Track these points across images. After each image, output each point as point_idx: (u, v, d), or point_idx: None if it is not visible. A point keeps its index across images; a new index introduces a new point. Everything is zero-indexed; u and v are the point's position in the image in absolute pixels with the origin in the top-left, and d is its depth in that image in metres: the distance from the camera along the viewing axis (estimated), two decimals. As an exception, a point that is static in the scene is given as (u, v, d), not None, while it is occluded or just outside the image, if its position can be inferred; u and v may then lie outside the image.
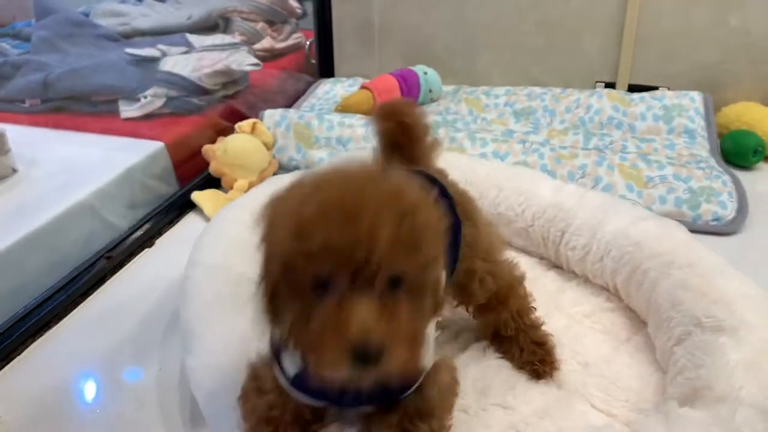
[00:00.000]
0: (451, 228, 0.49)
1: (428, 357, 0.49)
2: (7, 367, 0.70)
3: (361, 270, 0.37)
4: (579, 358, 0.65)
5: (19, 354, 0.72)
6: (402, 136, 0.58)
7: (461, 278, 0.59)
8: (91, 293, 0.83)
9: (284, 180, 0.44)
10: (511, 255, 0.81)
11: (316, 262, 0.38)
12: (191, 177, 1.10)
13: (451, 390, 0.52)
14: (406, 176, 0.43)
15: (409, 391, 0.48)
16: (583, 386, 0.61)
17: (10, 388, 0.67)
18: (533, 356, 0.63)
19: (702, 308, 0.61)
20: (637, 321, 0.70)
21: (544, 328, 0.65)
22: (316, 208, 0.38)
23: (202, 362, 0.60)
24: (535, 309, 0.66)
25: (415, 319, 0.40)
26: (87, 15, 1.59)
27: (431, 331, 0.50)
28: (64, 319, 0.78)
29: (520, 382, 0.62)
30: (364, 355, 0.37)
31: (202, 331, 0.63)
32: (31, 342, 0.74)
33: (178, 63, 1.23)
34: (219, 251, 0.74)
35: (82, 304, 0.81)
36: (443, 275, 0.45)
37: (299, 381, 0.46)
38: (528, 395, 0.61)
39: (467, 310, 0.65)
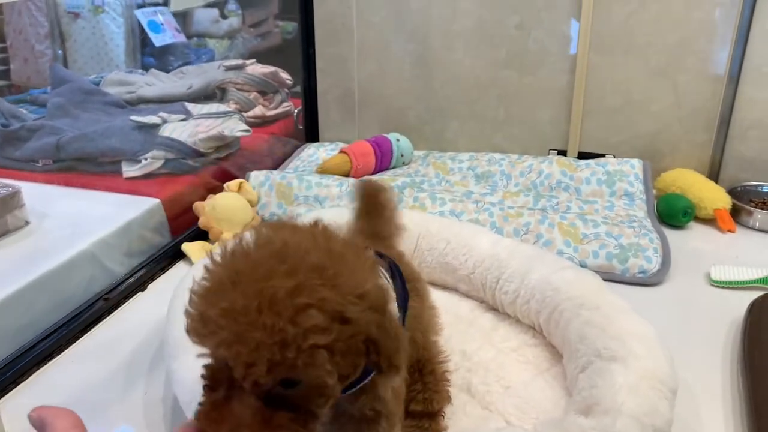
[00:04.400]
0: (400, 298, 0.59)
1: None
2: (14, 389, 0.82)
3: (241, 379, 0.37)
4: (502, 382, 0.76)
5: (26, 378, 0.84)
6: (375, 213, 0.72)
7: None
8: (90, 329, 0.95)
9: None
10: (454, 299, 0.94)
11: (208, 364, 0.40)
12: (183, 230, 1.23)
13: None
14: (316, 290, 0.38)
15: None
16: (503, 405, 0.73)
17: (18, 407, 0.78)
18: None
19: (602, 342, 0.72)
20: (557, 355, 0.82)
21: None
22: (207, 319, 0.39)
23: (184, 363, 0.69)
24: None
25: (296, 419, 0.39)
26: (98, 84, 1.76)
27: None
28: (66, 351, 0.90)
29: (449, 408, 0.73)
30: None
31: (186, 340, 0.74)
32: (37, 369, 0.86)
33: (177, 129, 1.38)
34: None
35: (81, 338, 0.93)
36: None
37: None
38: (455, 416, 0.72)
39: None
